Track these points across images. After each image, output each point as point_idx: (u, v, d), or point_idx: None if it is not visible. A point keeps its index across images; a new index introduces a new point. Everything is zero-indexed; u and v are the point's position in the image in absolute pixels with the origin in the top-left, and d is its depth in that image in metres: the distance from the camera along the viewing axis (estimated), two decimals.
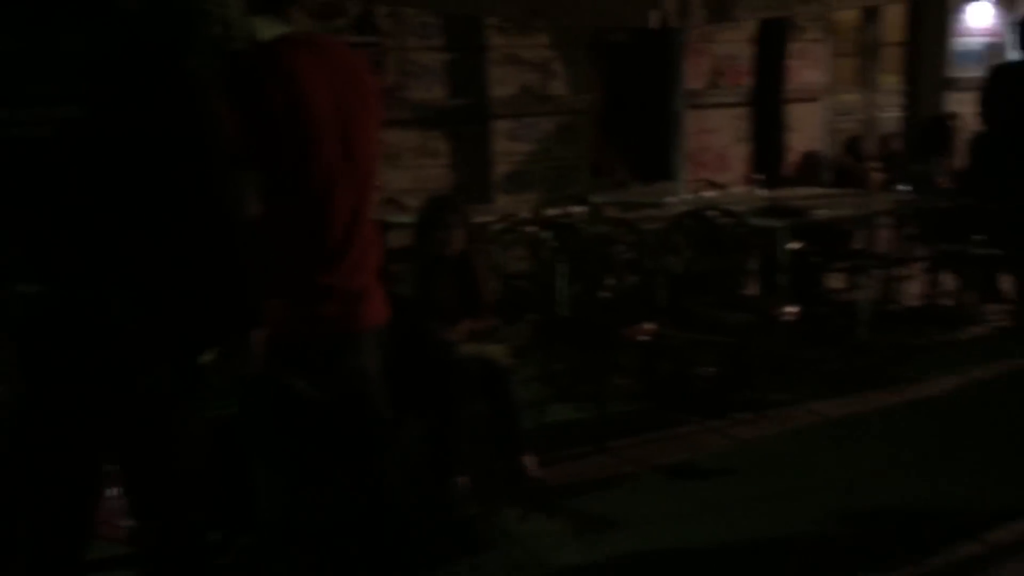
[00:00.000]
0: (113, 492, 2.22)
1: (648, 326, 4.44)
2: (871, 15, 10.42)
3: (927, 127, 6.88)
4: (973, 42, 10.64)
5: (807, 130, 10.06)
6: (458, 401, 3.43)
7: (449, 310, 3.64)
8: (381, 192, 7.05)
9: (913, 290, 6.44)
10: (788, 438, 4.28)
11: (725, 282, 5.06)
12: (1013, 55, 8.93)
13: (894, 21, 10.68)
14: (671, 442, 4.28)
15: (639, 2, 7.39)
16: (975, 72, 10.46)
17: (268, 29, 2.37)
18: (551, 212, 5.98)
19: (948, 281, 6.31)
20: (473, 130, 8.12)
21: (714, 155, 9.52)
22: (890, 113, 10.85)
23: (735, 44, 9.31)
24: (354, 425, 2.52)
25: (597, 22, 7.75)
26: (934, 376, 5.02)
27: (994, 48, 10.70)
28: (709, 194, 6.88)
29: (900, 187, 6.66)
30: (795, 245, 6.05)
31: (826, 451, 4.13)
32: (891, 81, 10.92)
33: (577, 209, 6.16)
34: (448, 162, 7.97)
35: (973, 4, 10.45)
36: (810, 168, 9.14)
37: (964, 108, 9.77)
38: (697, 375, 4.87)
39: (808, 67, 9.90)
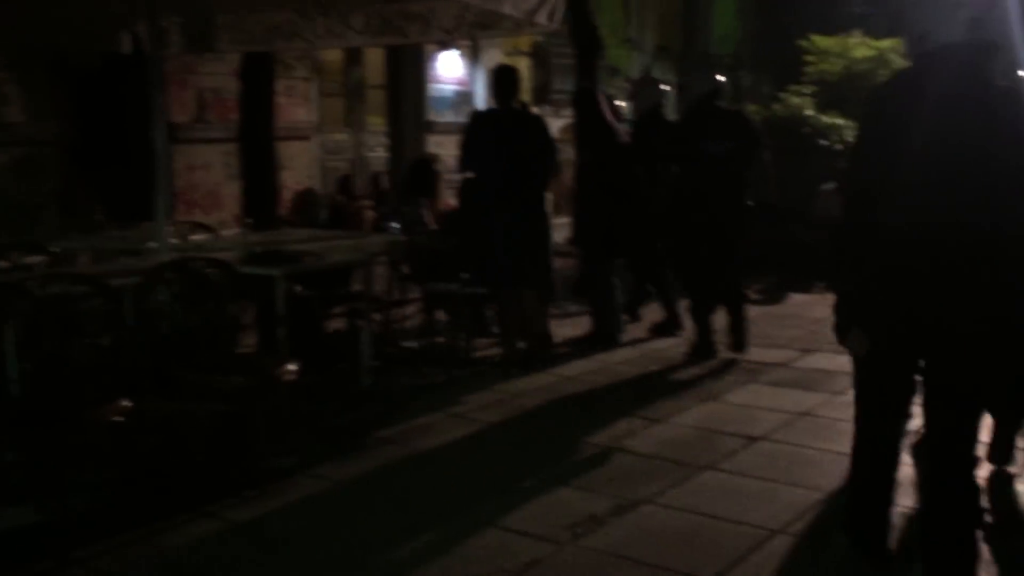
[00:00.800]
0: None
1: (123, 403, 3.62)
2: (354, 57, 10.44)
3: (412, 168, 6.89)
4: (446, 89, 11.20)
5: (300, 168, 9.74)
6: None
7: None
8: None
9: (411, 331, 6.35)
10: (291, 513, 3.76)
11: (217, 340, 4.40)
12: (482, 103, 9.48)
13: (376, 65, 10.85)
14: (157, 537, 3.51)
15: (108, 23, 6.45)
16: (450, 117, 11.05)
17: None
18: None
19: (442, 319, 6.32)
20: None
21: (205, 194, 8.75)
22: (378, 153, 11.00)
23: (221, 77, 8.66)
24: None
25: (57, 41, 6.60)
26: (436, 420, 4.88)
27: (463, 96, 11.38)
28: (198, 238, 6.16)
29: (392, 225, 6.59)
30: (293, 292, 5.61)
31: (332, 522, 3.69)
32: (377, 122, 11.09)
33: (36, 259, 5.07)
34: None
35: (444, 54, 10.99)
36: (305, 207, 8.84)
37: (442, 150, 10.21)
38: (188, 452, 4.15)
39: (297, 105, 9.58)
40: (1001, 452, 3.90)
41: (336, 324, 6.16)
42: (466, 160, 5.72)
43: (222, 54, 7.46)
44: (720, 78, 6.32)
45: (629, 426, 4.73)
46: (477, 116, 5.97)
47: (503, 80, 5.63)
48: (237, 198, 8.23)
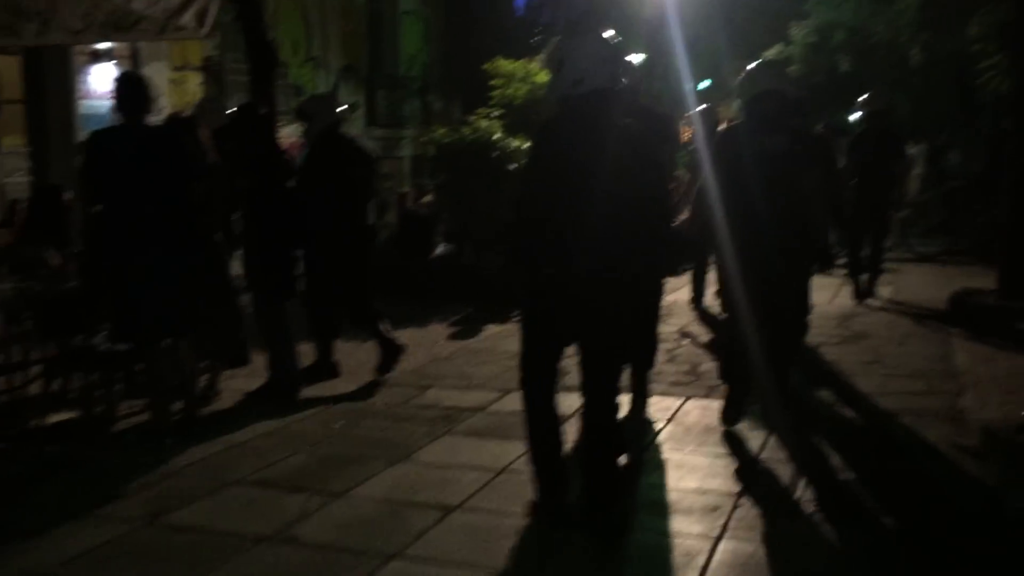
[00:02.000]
0: None
1: None
2: None
3: (34, 199, 5.55)
4: (101, 105, 9.71)
5: None
6: None
7: None
8: None
9: (35, 399, 5.06)
10: None
11: None
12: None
13: (11, 76, 9.15)
14: None
15: None
16: None
17: None
18: None
19: (77, 383, 5.09)
20: None
21: None
22: (17, 178, 9.27)
23: None
24: None
25: None
26: (56, 521, 3.74)
27: None
28: None
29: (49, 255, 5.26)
30: None
31: None
32: (17, 142, 9.35)
33: None
34: None
35: (97, 66, 9.51)
36: None
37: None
38: None
39: None
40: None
41: None
42: (89, 190, 4.56)
43: None
44: (342, 108, 6.01)
45: (304, 506, 3.88)
46: (98, 137, 4.67)
47: (128, 91, 4.51)
48: None
